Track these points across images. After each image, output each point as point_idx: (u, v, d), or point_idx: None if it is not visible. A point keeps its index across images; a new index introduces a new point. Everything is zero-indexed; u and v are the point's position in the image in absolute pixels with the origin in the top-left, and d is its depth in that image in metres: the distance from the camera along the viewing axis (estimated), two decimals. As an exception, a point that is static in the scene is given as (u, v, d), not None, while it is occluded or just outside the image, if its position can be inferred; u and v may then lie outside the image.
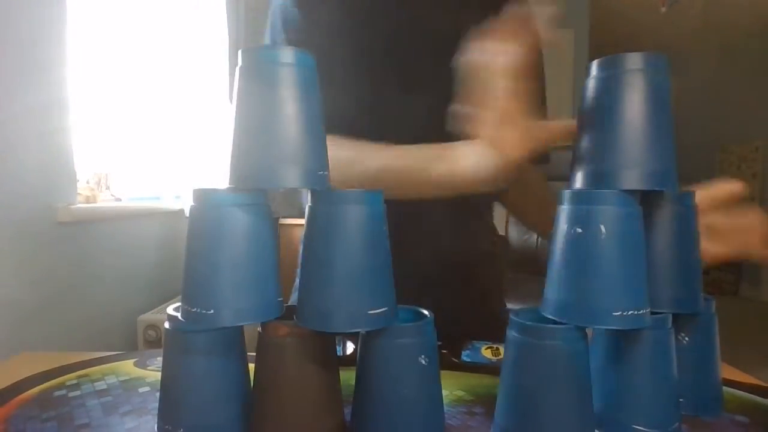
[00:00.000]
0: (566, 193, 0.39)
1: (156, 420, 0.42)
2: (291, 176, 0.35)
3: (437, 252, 0.70)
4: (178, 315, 0.37)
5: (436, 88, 0.68)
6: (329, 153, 0.41)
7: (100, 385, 0.51)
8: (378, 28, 0.66)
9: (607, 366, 0.41)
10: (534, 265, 2.24)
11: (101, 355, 0.60)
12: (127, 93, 1.57)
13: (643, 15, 3.94)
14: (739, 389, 0.51)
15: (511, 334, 0.39)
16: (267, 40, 0.72)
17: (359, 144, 0.59)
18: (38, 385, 0.51)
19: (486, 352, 0.56)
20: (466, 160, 0.48)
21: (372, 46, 0.66)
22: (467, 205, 0.75)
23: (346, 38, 0.67)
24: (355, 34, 0.67)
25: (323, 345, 0.38)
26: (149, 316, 1.38)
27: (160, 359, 0.58)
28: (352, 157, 0.57)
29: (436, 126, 0.69)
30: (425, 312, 0.42)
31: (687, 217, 0.42)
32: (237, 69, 0.38)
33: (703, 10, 3.82)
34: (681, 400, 0.43)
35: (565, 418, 0.36)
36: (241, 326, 0.39)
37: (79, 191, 1.22)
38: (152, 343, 1.37)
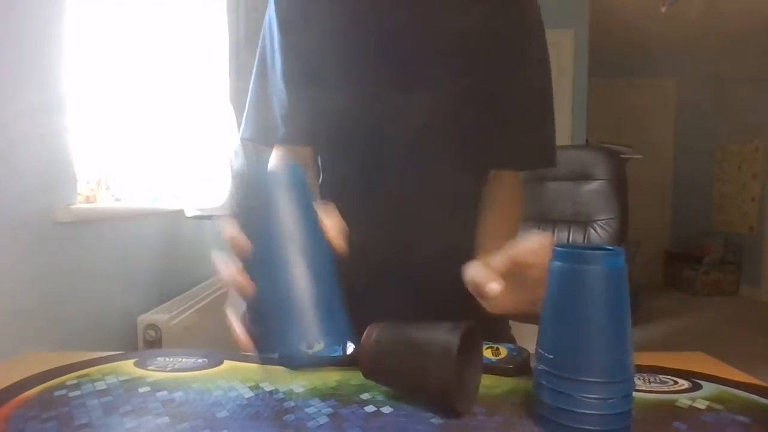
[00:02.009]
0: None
1: (155, 420, 0.42)
2: None
3: (436, 253, 0.69)
4: None
5: (434, 88, 0.68)
6: None
7: (101, 385, 0.51)
8: (377, 28, 0.66)
9: (559, 309, 0.41)
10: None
11: (101, 355, 0.60)
12: (127, 93, 1.57)
13: (643, 15, 3.94)
14: (739, 389, 0.51)
15: (554, 264, 0.41)
16: (262, 48, 0.73)
17: None
18: (38, 385, 0.51)
19: (486, 352, 0.56)
20: None
21: (371, 45, 0.66)
22: (466, 207, 0.74)
23: (345, 38, 0.67)
24: (355, 34, 0.66)
25: None
26: (149, 316, 1.38)
27: (160, 359, 0.58)
28: None
29: (433, 125, 0.70)
30: None
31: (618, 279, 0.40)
32: None
33: (703, 10, 3.81)
34: None
35: (605, 338, 0.39)
36: None
37: (79, 191, 1.22)
38: (152, 343, 1.36)
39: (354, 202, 0.70)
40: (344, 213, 0.72)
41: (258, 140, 0.74)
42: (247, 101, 0.74)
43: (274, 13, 0.70)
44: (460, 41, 0.67)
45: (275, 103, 0.71)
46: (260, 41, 0.73)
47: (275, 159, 0.73)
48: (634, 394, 0.41)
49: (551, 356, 0.41)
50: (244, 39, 2.14)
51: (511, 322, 0.84)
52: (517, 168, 0.75)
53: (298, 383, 0.51)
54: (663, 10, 3.06)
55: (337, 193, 0.71)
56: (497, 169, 0.75)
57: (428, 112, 0.67)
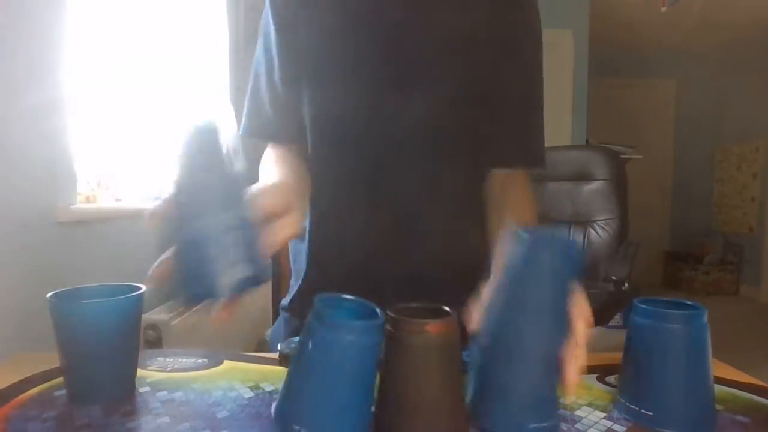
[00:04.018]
0: None
1: (155, 420, 0.42)
2: None
3: (435, 254, 0.69)
4: None
5: (432, 88, 0.68)
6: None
7: (100, 385, 0.50)
8: (375, 27, 0.66)
9: (641, 365, 0.44)
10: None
11: (101, 355, 0.60)
12: (128, 93, 1.57)
13: (643, 15, 3.93)
14: (739, 389, 0.51)
15: (637, 320, 0.44)
16: (259, 47, 0.73)
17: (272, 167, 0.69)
18: (38, 385, 0.51)
19: (486, 352, 0.56)
20: None
21: (368, 44, 0.66)
22: (465, 207, 0.74)
23: (342, 37, 0.67)
24: (352, 33, 0.66)
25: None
26: (149, 316, 1.38)
27: (160, 359, 0.58)
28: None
29: (431, 125, 0.69)
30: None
31: (700, 336, 0.44)
32: None
33: (703, 9, 3.81)
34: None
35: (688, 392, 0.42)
36: None
37: (79, 191, 1.22)
38: (152, 343, 1.36)
39: (349, 203, 0.70)
40: (338, 215, 0.71)
41: (258, 136, 0.74)
42: (247, 98, 0.74)
43: (270, 12, 0.70)
44: (459, 40, 0.67)
45: (270, 101, 0.71)
46: (259, 38, 0.73)
47: (269, 159, 0.72)
48: None
49: (650, 413, 0.42)
50: (244, 38, 2.14)
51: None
52: (507, 167, 0.74)
53: (298, 383, 0.51)
54: (663, 10, 3.06)
55: (330, 195, 0.70)
56: (489, 168, 0.74)
57: (426, 112, 0.67)
